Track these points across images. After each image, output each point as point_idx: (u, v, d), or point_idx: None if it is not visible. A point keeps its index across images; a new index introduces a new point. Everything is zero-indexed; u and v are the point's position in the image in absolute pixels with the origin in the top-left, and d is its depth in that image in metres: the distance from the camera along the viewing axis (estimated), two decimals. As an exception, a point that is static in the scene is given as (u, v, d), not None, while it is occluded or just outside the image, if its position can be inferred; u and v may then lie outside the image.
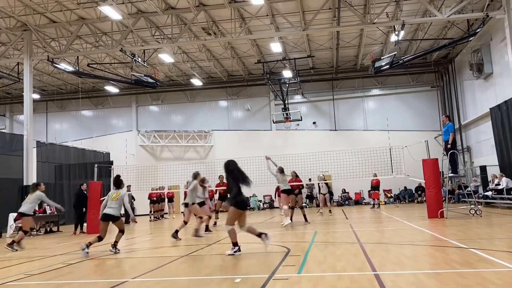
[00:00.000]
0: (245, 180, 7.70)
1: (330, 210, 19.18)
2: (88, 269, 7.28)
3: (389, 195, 26.92)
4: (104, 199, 9.58)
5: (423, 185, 20.36)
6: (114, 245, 9.00)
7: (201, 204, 12.07)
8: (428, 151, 14.45)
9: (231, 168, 7.76)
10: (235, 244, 7.59)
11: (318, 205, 22.57)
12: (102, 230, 8.94)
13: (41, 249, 10.89)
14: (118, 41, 19.99)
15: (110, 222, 9.01)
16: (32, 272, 6.96)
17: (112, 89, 28.83)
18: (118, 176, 9.52)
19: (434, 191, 13.54)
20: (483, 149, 23.06)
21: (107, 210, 9.00)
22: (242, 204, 7.59)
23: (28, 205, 11.19)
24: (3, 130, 29.42)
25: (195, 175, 11.74)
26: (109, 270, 7.14)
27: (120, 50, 19.87)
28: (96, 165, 16.85)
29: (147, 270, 6.63)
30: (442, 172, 14.43)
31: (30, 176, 18.97)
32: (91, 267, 7.53)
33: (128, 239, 12.10)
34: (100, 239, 8.85)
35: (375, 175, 20.60)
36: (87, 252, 8.56)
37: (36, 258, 8.95)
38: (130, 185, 18.86)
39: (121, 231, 9.23)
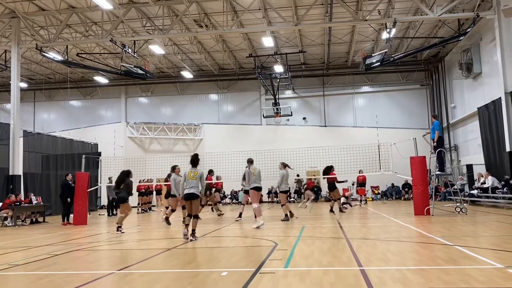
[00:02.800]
0: None
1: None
2: (73, 261, 7.21)
3: (376, 191, 27.10)
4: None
5: (410, 182, 20.65)
6: (193, 233, 9.00)
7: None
8: (416, 149, 14.56)
9: None
10: None
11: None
12: (188, 209, 9.10)
13: (26, 239, 10.78)
14: (108, 31, 19.76)
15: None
16: (16, 263, 6.88)
17: (101, 79, 28.53)
18: (196, 155, 9.49)
19: (421, 188, 13.68)
20: (470, 148, 23.31)
21: (188, 190, 8.99)
22: None
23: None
24: (-11, 119, 28.97)
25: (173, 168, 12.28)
26: (95, 261, 7.09)
27: (110, 41, 19.65)
28: (84, 156, 16.67)
29: (133, 263, 6.60)
30: (430, 170, 14.55)
31: (16, 165, 18.72)
32: (76, 258, 7.46)
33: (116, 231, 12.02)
34: (190, 216, 9.04)
35: (361, 171, 20.69)
36: (196, 238, 8.99)
37: (21, 248, 8.85)
38: (111, 177, 18.79)
39: (196, 216, 9.15)
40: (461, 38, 19.84)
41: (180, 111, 30.84)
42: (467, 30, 19.22)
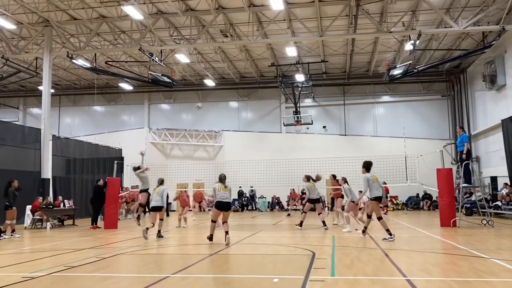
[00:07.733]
0: None
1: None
2: (124, 263, 7.57)
3: (395, 201, 27.08)
4: None
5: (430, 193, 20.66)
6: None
7: None
8: (443, 161, 14.70)
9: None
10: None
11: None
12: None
13: (66, 242, 11.17)
14: (137, 40, 20.31)
15: None
16: (71, 264, 7.21)
17: (126, 86, 29.13)
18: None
19: (447, 200, 13.80)
20: (492, 159, 23.26)
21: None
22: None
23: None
24: (16, 123, 29.74)
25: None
26: (145, 265, 7.42)
27: (139, 49, 20.19)
28: (116, 162, 17.11)
29: (183, 267, 6.88)
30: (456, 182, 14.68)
31: (46, 169, 19.29)
32: (125, 261, 7.81)
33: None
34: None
35: (384, 183, 20.80)
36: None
37: (66, 251, 9.21)
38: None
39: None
40: (485, 50, 19.93)
41: (201, 118, 31.30)
42: (492, 43, 19.29)
